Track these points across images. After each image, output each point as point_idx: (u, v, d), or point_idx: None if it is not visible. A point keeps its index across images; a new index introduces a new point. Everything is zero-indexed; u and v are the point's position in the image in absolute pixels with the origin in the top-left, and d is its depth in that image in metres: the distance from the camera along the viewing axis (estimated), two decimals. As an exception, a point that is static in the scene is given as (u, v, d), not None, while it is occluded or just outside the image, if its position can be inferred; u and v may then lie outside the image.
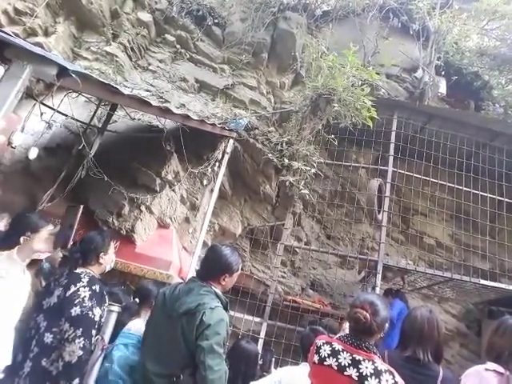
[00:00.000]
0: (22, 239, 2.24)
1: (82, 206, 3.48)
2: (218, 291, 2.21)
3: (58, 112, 4.03)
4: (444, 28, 6.95)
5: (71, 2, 5.26)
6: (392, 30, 7.50)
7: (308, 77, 6.22)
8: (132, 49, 5.85)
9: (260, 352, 3.74)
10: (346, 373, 1.88)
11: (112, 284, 3.69)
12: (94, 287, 2.39)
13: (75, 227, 3.31)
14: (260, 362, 3.61)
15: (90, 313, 2.30)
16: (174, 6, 6.40)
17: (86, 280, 2.40)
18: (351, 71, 5.39)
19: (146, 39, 6.12)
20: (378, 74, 5.79)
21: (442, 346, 2.31)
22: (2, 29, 2.17)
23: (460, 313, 6.97)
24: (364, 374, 1.85)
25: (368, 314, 1.96)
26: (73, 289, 2.33)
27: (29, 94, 3.24)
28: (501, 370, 2.07)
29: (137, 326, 2.77)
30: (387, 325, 2.05)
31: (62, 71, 2.08)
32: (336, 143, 5.65)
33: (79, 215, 3.39)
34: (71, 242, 3.26)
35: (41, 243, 2.37)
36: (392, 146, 5.75)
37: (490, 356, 2.21)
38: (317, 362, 2.01)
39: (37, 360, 2.22)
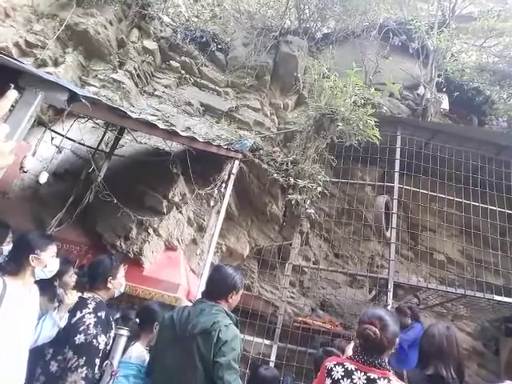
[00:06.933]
0: (31, 257, 2.14)
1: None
2: (227, 310, 2.27)
3: (67, 138, 4.12)
4: (443, 46, 7.07)
5: (80, 33, 5.46)
6: (392, 49, 7.64)
7: (311, 97, 6.32)
8: (138, 75, 6.01)
9: (280, 377, 3.64)
10: None
11: (126, 308, 3.65)
12: (99, 314, 2.35)
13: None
14: None
15: (95, 341, 2.25)
16: (179, 34, 6.61)
17: (92, 306, 2.36)
18: (353, 91, 5.48)
19: (151, 66, 6.30)
20: (379, 90, 5.87)
21: (463, 363, 2.24)
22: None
23: (475, 331, 6.76)
24: None
25: (377, 330, 1.91)
26: (78, 315, 2.30)
27: (39, 122, 3.32)
28: None
29: (137, 352, 2.70)
30: (398, 340, 1.99)
31: (73, 97, 2.15)
32: (338, 162, 5.67)
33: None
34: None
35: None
36: (397, 163, 5.76)
37: (509, 374, 2.14)
38: None
39: None
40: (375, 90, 5.89)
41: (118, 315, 3.42)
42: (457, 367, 2.17)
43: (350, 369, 1.92)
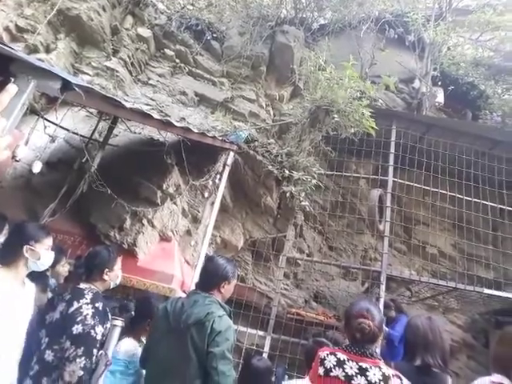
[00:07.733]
0: (25, 248, 2.12)
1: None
2: (220, 301, 2.29)
3: (60, 127, 4.05)
4: (439, 40, 7.05)
5: (72, 18, 5.33)
6: (388, 42, 7.61)
7: (306, 89, 6.28)
8: (132, 64, 5.91)
9: (273, 368, 3.67)
10: (354, 382, 1.87)
11: (122, 298, 3.63)
12: (97, 304, 2.33)
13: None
14: (273, 379, 3.54)
15: (92, 331, 2.23)
16: (174, 22, 6.49)
17: (89, 297, 2.34)
18: (349, 83, 5.45)
19: (145, 54, 6.19)
20: (374, 83, 5.86)
21: (447, 351, 2.29)
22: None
23: (466, 323, 6.88)
24: (373, 381, 1.84)
25: (370, 322, 1.98)
26: (75, 305, 2.27)
27: (32, 110, 3.25)
28: (507, 382, 2.02)
29: (126, 347, 2.70)
30: (384, 325, 2.06)
31: (66, 85, 2.10)
32: (334, 154, 5.67)
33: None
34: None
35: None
36: (392, 156, 5.77)
37: (495, 368, 2.16)
38: (322, 374, 1.98)
39: (37, 379, 2.15)
40: (371, 82, 5.88)
41: (114, 305, 3.42)
42: (442, 355, 2.23)
43: (341, 359, 1.96)
